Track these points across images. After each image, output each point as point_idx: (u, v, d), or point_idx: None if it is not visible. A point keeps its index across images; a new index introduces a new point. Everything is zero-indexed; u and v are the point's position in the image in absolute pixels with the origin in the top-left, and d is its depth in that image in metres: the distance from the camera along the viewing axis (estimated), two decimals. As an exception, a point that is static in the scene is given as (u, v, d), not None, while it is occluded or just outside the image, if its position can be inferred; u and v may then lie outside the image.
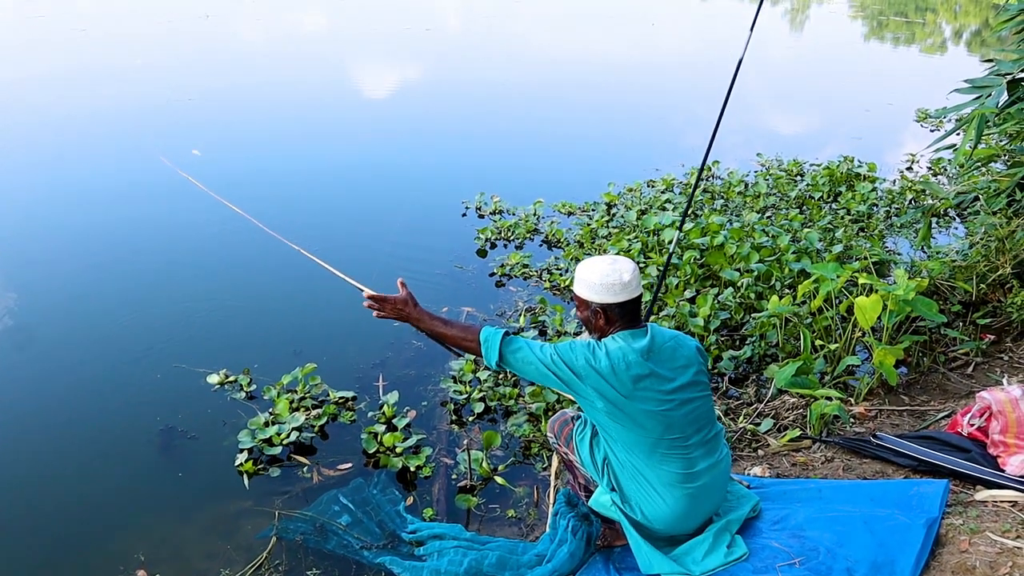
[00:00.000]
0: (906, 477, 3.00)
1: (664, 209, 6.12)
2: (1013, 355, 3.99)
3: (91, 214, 6.24)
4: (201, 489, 3.38)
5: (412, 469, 3.43)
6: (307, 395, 3.89)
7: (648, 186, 6.90)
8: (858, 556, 2.45)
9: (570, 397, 2.71)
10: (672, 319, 4.38)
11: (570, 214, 6.36)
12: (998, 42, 15.22)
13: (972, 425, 3.06)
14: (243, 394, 3.95)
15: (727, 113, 3.48)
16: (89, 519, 3.23)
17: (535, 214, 6.23)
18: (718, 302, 4.57)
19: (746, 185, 6.81)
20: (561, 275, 5.23)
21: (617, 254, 5.13)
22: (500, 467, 3.48)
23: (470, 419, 3.82)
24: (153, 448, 3.61)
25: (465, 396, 3.93)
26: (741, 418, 3.66)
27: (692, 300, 4.67)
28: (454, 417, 3.84)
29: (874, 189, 6.65)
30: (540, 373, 2.40)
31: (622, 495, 2.53)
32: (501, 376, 4.07)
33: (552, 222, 6.07)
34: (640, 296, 2.45)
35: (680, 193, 6.62)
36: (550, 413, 3.68)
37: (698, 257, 5.04)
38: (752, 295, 4.63)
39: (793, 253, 4.94)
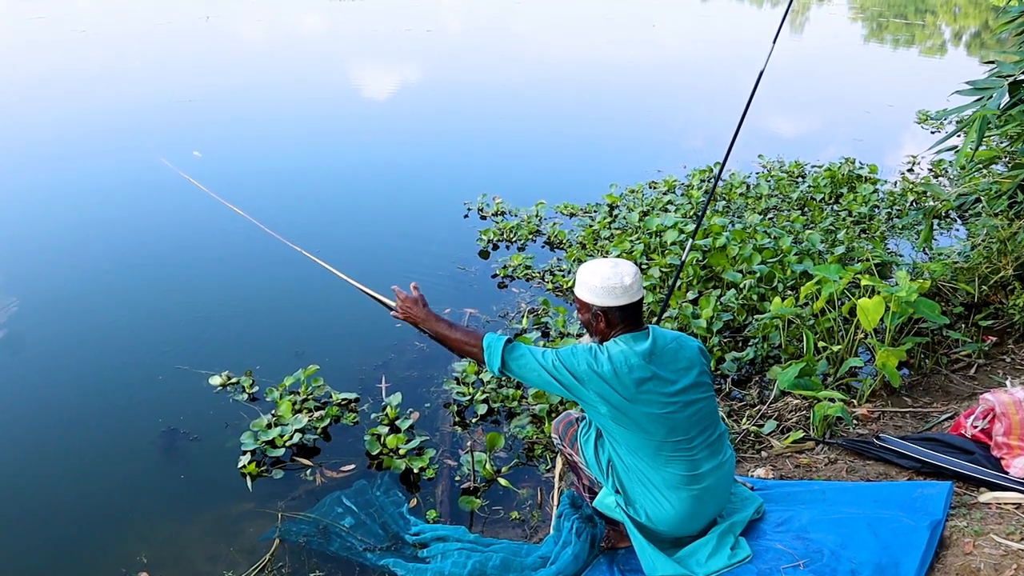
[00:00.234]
0: (909, 479, 3.00)
1: (666, 211, 6.12)
2: (1015, 357, 3.99)
3: (92, 215, 6.25)
4: (204, 491, 3.37)
5: (415, 471, 3.43)
6: (310, 397, 3.89)
7: (650, 187, 6.90)
8: (862, 558, 2.45)
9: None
10: (675, 320, 4.38)
11: (572, 215, 6.36)
12: (998, 44, 15.23)
13: (975, 427, 3.06)
14: (245, 396, 3.95)
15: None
16: (92, 521, 3.22)
17: (537, 215, 6.23)
18: (721, 303, 4.57)
19: (748, 187, 6.81)
20: (563, 276, 5.23)
21: (619, 256, 5.14)
22: (504, 469, 3.48)
23: (473, 421, 3.82)
24: (155, 450, 3.61)
25: (468, 398, 3.93)
26: (744, 420, 3.65)
27: (695, 301, 4.67)
28: (457, 419, 3.84)
29: (875, 191, 6.66)
30: (543, 380, 2.40)
31: (626, 497, 2.53)
32: (504, 378, 4.07)
33: (554, 223, 6.08)
34: (642, 299, 2.45)
35: (682, 195, 6.62)
36: (553, 415, 3.68)
37: (701, 259, 5.04)
38: (755, 296, 4.63)
39: (795, 255, 4.94)
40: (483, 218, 6.35)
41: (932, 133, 9.00)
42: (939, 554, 2.46)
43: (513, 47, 14.80)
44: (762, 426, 3.57)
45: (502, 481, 3.39)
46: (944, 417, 3.49)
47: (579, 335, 4.43)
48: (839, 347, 3.86)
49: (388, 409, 3.76)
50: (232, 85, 10.70)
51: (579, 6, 20.49)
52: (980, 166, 5.16)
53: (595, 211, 6.38)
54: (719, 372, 4.12)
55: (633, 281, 2.40)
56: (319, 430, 3.70)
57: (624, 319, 2.42)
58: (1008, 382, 3.52)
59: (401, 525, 3.06)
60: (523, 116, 9.86)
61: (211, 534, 3.12)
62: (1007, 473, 2.84)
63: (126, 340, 4.52)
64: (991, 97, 3.79)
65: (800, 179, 7.13)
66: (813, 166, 7.39)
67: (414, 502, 3.28)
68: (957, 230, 6.20)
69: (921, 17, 21.15)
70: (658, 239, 5.47)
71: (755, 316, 4.47)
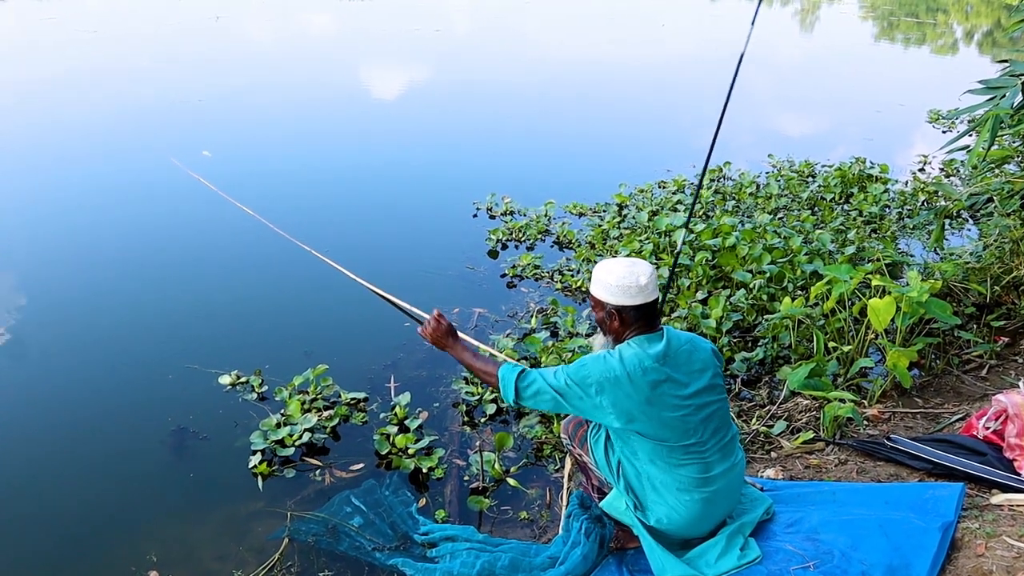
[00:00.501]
0: (921, 480, 2.99)
1: (675, 210, 6.11)
2: (1028, 358, 3.96)
3: (101, 215, 6.27)
4: (213, 490, 3.38)
5: (424, 470, 3.43)
6: (319, 396, 3.89)
7: (659, 187, 6.89)
8: (873, 560, 2.44)
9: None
10: (684, 320, 4.37)
11: (581, 215, 6.36)
12: (1010, 43, 15.14)
13: (988, 428, 3.04)
14: (255, 395, 3.96)
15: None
16: (101, 520, 3.24)
17: (546, 215, 6.22)
18: (730, 303, 4.55)
19: (758, 186, 6.79)
20: (572, 276, 5.22)
21: (628, 255, 5.13)
22: (512, 469, 3.47)
23: (482, 420, 3.82)
24: (165, 449, 3.62)
25: (477, 397, 3.93)
26: (754, 420, 3.64)
27: (704, 301, 4.66)
28: (466, 418, 3.84)
29: (886, 190, 6.62)
30: (555, 403, 2.43)
31: (636, 498, 2.52)
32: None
33: (563, 223, 6.07)
34: (657, 300, 2.45)
35: (691, 194, 6.60)
36: (562, 415, 3.67)
37: (710, 258, 5.03)
38: (764, 296, 4.61)
39: (805, 255, 4.92)
40: (492, 218, 6.35)
41: (944, 133, 8.95)
42: (951, 556, 2.45)
43: (522, 46, 14.80)
44: (772, 426, 3.55)
45: (511, 481, 3.39)
46: (956, 418, 3.47)
47: (588, 335, 4.43)
48: (849, 347, 3.84)
49: (397, 409, 3.76)
50: (241, 85, 10.73)
51: (588, 5, 20.46)
52: (992, 166, 5.11)
53: (604, 211, 6.37)
54: (728, 372, 4.10)
55: (648, 281, 2.39)
56: (328, 429, 3.71)
57: (638, 319, 2.42)
58: (1021, 383, 3.49)
59: (410, 525, 3.06)
60: (532, 115, 9.85)
61: (220, 533, 3.13)
62: (1020, 475, 2.82)
63: (136, 339, 4.54)
64: (1004, 96, 3.76)
65: (810, 179, 7.10)
66: (823, 166, 7.36)
67: (423, 502, 3.28)
68: (969, 230, 6.16)
69: (932, 16, 21.03)
70: (667, 239, 5.45)
71: (765, 316, 4.45)
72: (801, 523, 2.69)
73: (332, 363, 4.01)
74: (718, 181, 7.05)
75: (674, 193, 6.64)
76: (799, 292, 4.62)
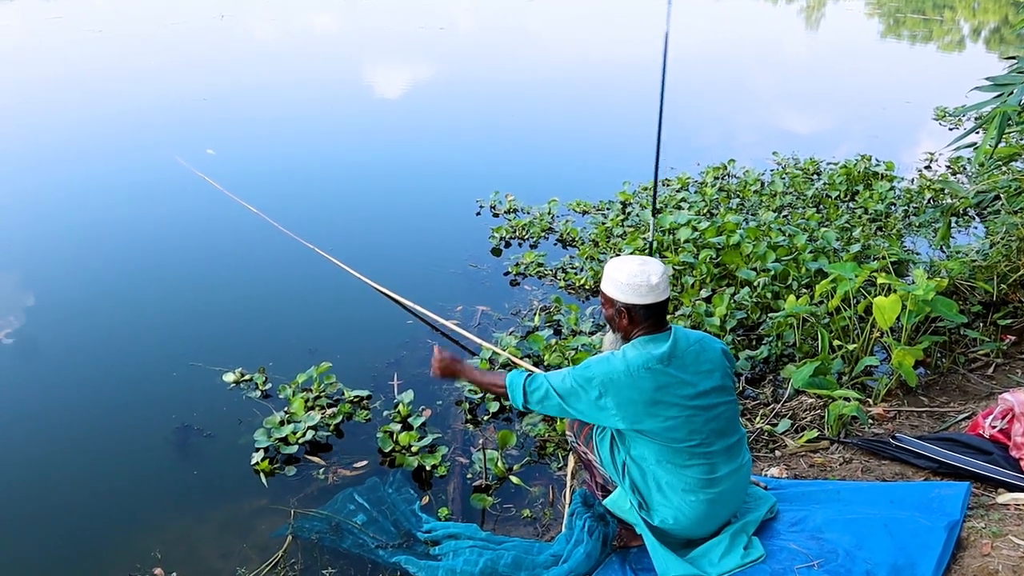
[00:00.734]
0: (926, 479, 2.97)
1: (679, 208, 6.09)
2: (1034, 356, 3.94)
3: (106, 213, 6.29)
4: (217, 487, 3.39)
5: (427, 468, 3.43)
6: (322, 394, 3.89)
7: (663, 185, 6.87)
8: (878, 559, 2.43)
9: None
10: (688, 319, 4.36)
11: (585, 213, 6.35)
12: (1018, 40, 15.06)
13: (994, 427, 3.02)
14: (258, 393, 3.97)
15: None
16: (106, 517, 3.24)
17: (550, 213, 6.21)
18: (734, 301, 4.54)
19: (762, 184, 6.77)
20: (576, 274, 5.21)
21: (632, 253, 5.12)
22: (515, 467, 3.47)
23: (485, 418, 3.82)
24: (169, 446, 3.62)
25: (480, 395, 3.92)
26: (758, 419, 3.63)
27: (708, 299, 4.65)
28: (469, 416, 3.84)
29: (892, 188, 6.59)
30: (560, 409, 2.45)
31: (641, 498, 2.51)
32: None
33: (567, 221, 6.06)
34: (667, 300, 2.44)
35: (695, 192, 6.58)
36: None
37: (714, 256, 5.01)
38: (769, 295, 4.60)
39: (810, 252, 4.90)
40: (495, 215, 6.34)
41: (950, 130, 8.90)
42: (956, 555, 2.44)
43: (526, 45, 14.78)
44: (776, 425, 3.54)
45: (514, 479, 3.38)
46: (961, 417, 3.45)
47: (591, 333, 4.42)
48: (854, 346, 3.82)
49: (400, 406, 3.76)
50: (245, 83, 10.75)
51: (591, 4, 20.42)
52: (999, 163, 5.09)
53: (608, 208, 6.36)
54: (733, 370, 4.08)
55: (660, 281, 2.39)
56: (332, 427, 3.71)
57: (647, 318, 2.41)
58: (1027, 381, 3.48)
59: (413, 522, 3.06)
60: (536, 113, 9.84)
61: (224, 530, 3.13)
62: (1026, 474, 2.81)
63: (140, 337, 4.55)
64: (1011, 93, 3.74)
65: (815, 176, 7.08)
66: (829, 163, 7.33)
67: (426, 499, 3.28)
68: (975, 228, 6.13)
69: (939, 12, 20.94)
70: (671, 236, 5.44)
71: (769, 314, 4.44)
72: (805, 522, 2.68)
73: (335, 361, 4.01)
74: (722, 179, 7.02)
75: (678, 191, 6.62)
76: (804, 290, 4.60)
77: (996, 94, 3.86)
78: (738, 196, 6.57)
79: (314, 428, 3.61)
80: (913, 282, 3.66)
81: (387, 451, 3.52)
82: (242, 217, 5.96)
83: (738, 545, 2.54)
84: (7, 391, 4.06)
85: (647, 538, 2.53)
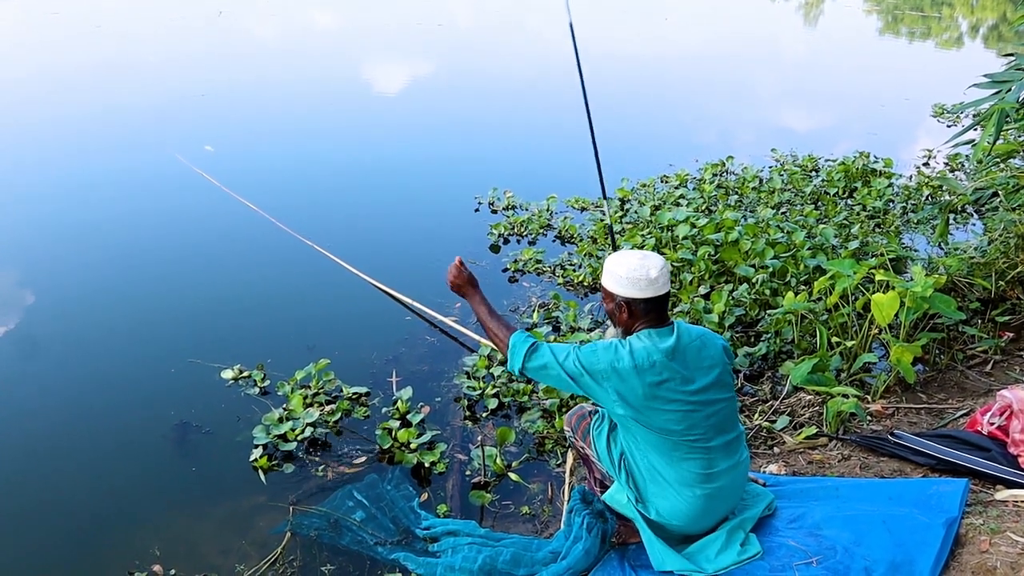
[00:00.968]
0: (924, 476, 2.98)
1: (678, 205, 6.09)
2: (1033, 353, 3.94)
3: (104, 209, 6.27)
4: (215, 484, 3.39)
5: (426, 465, 3.43)
6: (321, 391, 3.89)
7: (662, 181, 6.87)
8: (876, 555, 2.43)
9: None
10: (687, 315, 4.36)
11: (583, 209, 6.34)
12: (1016, 37, 15.05)
13: (992, 424, 3.03)
14: (257, 389, 3.96)
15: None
16: (104, 513, 3.24)
17: (548, 209, 6.21)
18: (733, 298, 4.54)
19: (761, 181, 6.76)
20: (574, 270, 5.21)
21: (631, 249, 5.11)
22: (514, 463, 3.47)
23: (484, 415, 3.82)
24: (167, 443, 3.62)
25: (479, 392, 3.92)
26: (756, 415, 3.63)
27: (707, 296, 4.64)
28: (468, 413, 3.84)
29: (890, 185, 6.59)
30: (561, 381, 2.42)
31: (638, 492, 2.52)
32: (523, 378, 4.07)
33: (565, 217, 6.06)
34: (667, 294, 2.44)
35: (694, 189, 6.58)
36: (564, 410, 3.67)
37: (713, 253, 5.01)
38: (767, 291, 4.60)
39: (808, 249, 4.90)
40: (494, 212, 6.33)
41: (948, 127, 8.91)
42: (954, 552, 2.44)
43: (524, 41, 14.77)
44: (774, 422, 3.54)
45: (513, 476, 3.39)
46: (960, 414, 3.45)
47: (590, 330, 4.42)
48: (853, 342, 3.82)
49: (399, 403, 3.76)
50: (244, 79, 10.72)
51: (591, 2, 20.40)
52: (997, 160, 5.08)
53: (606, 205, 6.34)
54: (731, 367, 4.09)
55: (659, 274, 2.39)
56: (330, 424, 3.70)
57: (648, 312, 2.41)
58: (1025, 378, 3.49)
59: (412, 519, 3.06)
60: (534, 110, 9.83)
61: (223, 527, 3.13)
62: (1024, 470, 2.81)
63: (138, 334, 4.54)
64: (1010, 90, 3.74)
65: (814, 173, 7.07)
66: (827, 160, 7.33)
67: (425, 496, 3.28)
68: (973, 225, 6.13)
69: (938, 10, 20.94)
70: (669, 233, 5.43)
71: (768, 311, 4.44)
72: (804, 518, 2.68)
73: (334, 358, 4.01)
74: (721, 176, 7.02)
75: (676, 188, 6.61)
76: (802, 287, 4.60)
77: (994, 91, 3.85)
78: (737, 193, 6.57)
79: (313, 425, 3.60)
80: (911, 279, 3.65)
81: (386, 448, 3.52)
82: (240, 214, 5.95)
83: (735, 541, 2.55)
84: (6, 388, 4.05)
85: (643, 532, 2.54)
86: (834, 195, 6.47)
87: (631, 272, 2.38)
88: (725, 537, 2.55)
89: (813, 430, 3.38)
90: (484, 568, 2.65)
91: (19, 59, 11.65)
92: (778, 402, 3.72)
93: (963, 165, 7.36)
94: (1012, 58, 4.04)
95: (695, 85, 11.43)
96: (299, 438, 3.55)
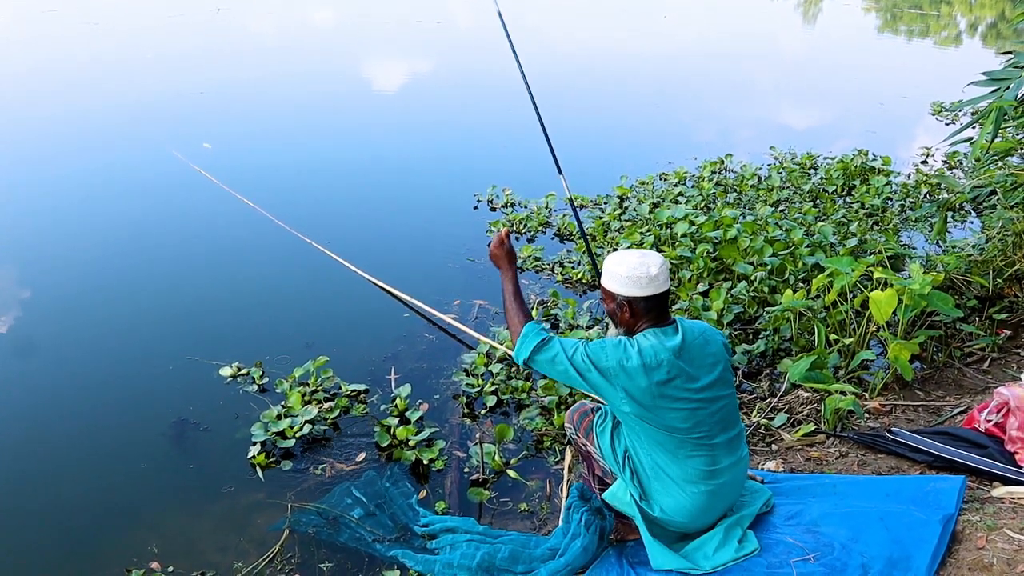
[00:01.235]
0: (922, 473, 2.98)
1: (677, 202, 6.09)
2: (1030, 350, 3.95)
3: (102, 207, 6.27)
4: (214, 482, 3.38)
5: (425, 462, 3.43)
6: (319, 388, 3.89)
7: (661, 179, 6.87)
8: (873, 552, 2.44)
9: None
10: (685, 313, 4.36)
11: (582, 207, 6.34)
12: (1015, 35, 15.07)
13: (989, 421, 3.03)
14: (255, 387, 3.96)
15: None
16: (102, 512, 3.24)
17: (547, 207, 6.21)
18: (731, 296, 4.54)
19: (759, 178, 6.77)
20: (573, 268, 5.21)
21: (629, 247, 5.12)
22: (513, 461, 3.47)
23: (482, 412, 3.82)
24: (166, 440, 3.62)
25: (477, 389, 3.92)
26: (755, 412, 3.64)
27: (705, 294, 4.65)
28: (466, 410, 3.84)
29: (889, 183, 6.60)
30: (568, 375, 2.41)
31: (642, 489, 2.52)
32: (513, 369, 4.07)
33: (564, 215, 6.06)
34: (668, 292, 2.44)
35: (693, 186, 6.58)
36: (563, 406, 3.67)
37: (711, 250, 5.02)
38: (766, 289, 4.60)
39: (807, 247, 4.90)
40: (493, 210, 6.33)
41: (947, 125, 8.92)
42: (951, 548, 2.45)
43: (523, 38, 14.73)
44: (772, 419, 3.55)
45: (511, 473, 3.39)
46: (957, 411, 3.46)
47: (589, 327, 4.42)
48: (851, 340, 3.83)
49: (397, 400, 3.76)
50: (242, 77, 10.70)
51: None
52: (996, 158, 5.10)
53: (605, 203, 6.35)
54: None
55: (659, 272, 2.39)
56: (329, 421, 3.71)
57: (649, 310, 2.42)
58: (1023, 376, 3.49)
59: (410, 516, 3.06)
60: (532, 107, 9.79)
61: (221, 524, 3.13)
62: (1021, 467, 2.82)
63: (136, 331, 4.53)
64: (1008, 88, 3.74)
65: (812, 171, 7.08)
66: (826, 158, 7.34)
67: (423, 493, 3.28)
68: (971, 223, 6.14)
69: (936, 7, 20.93)
70: (668, 231, 5.44)
71: (766, 308, 4.44)
72: (801, 515, 2.69)
73: (332, 355, 4.01)
74: (720, 173, 7.02)
75: (675, 185, 6.61)
76: (800, 284, 4.61)
77: (992, 89, 3.85)
78: (735, 191, 6.57)
79: (311, 422, 3.60)
80: (909, 276, 3.66)
81: (384, 445, 3.53)
82: (239, 211, 5.95)
83: (732, 539, 2.55)
84: (4, 386, 4.05)
85: (643, 531, 2.54)
86: (833, 193, 6.48)
87: (631, 271, 2.38)
88: (723, 534, 2.55)
89: (811, 427, 3.39)
90: (482, 565, 2.66)
91: (16, 56, 11.62)
92: (776, 399, 3.73)
93: (961, 163, 7.37)
94: (1011, 56, 4.04)
95: (694, 83, 11.43)
96: (297, 435, 3.55)
